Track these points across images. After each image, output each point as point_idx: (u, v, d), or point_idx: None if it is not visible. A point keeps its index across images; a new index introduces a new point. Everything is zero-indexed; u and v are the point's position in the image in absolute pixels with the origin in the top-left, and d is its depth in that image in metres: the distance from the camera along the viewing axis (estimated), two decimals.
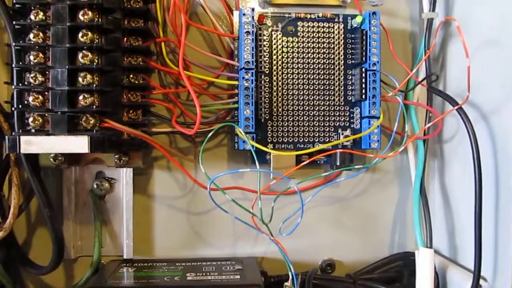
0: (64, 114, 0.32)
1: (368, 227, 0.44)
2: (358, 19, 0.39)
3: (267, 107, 0.39)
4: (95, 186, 0.41)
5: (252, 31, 0.38)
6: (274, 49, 0.40)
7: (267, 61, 0.39)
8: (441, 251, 0.43)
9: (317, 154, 0.39)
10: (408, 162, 0.43)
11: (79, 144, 0.31)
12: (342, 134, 0.40)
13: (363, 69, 0.39)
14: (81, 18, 0.32)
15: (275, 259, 0.42)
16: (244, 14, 0.38)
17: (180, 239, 0.42)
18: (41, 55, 0.32)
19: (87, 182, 0.41)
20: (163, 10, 0.40)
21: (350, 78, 0.40)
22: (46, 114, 0.32)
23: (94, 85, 0.32)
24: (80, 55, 0.32)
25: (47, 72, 0.32)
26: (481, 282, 0.36)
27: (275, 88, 0.40)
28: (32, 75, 0.32)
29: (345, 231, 0.44)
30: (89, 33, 0.32)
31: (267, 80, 0.39)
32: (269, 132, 0.40)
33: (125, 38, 0.36)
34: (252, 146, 0.36)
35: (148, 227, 0.42)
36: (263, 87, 0.39)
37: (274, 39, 0.40)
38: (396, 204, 0.44)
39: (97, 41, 0.33)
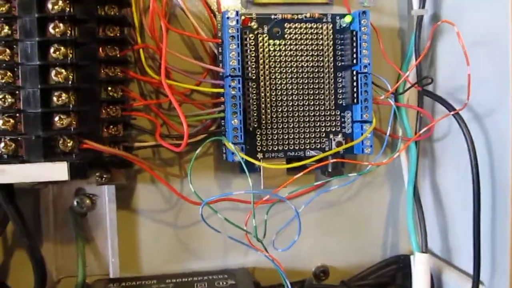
0: (39, 138, 0.29)
1: (360, 231, 0.43)
2: (347, 19, 0.38)
3: (255, 115, 0.37)
4: (75, 203, 0.38)
5: (237, 36, 0.35)
6: (261, 53, 0.37)
7: (253, 66, 0.37)
8: (434, 251, 0.42)
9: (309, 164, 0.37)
10: (399, 163, 0.42)
11: (57, 171, 0.29)
12: (334, 139, 0.38)
13: (354, 72, 0.37)
14: (52, 31, 0.29)
15: (268, 269, 0.41)
16: (228, 18, 0.35)
17: (168, 253, 0.40)
18: (9, 73, 0.29)
19: (66, 199, 0.39)
20: (139, 13, 0.37)
21: (340, 81, 0.39)
22: (19, 138, 0.30)
23: (71, 105, 0.30)
24: (53, 72, 0.29)
25: (17, 93, 0.29)
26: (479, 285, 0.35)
27: (262, 95, 0.38)
28: (0, 96, 0.29)
29: (337, 236, 0.43)
30: (62, 47, 0.30)
31: (254, 86, 0.37)
32: (258, 141, 0.38)
33: (101, 48, 0.33)
34: (242, 158, 0.35)
35: (134, 243, 0.40)
36: (250, 94, 0.37)
37: (260, 42, 0.37)
38: (387, 206, 0.44)
39: (71, 56, 0.30)
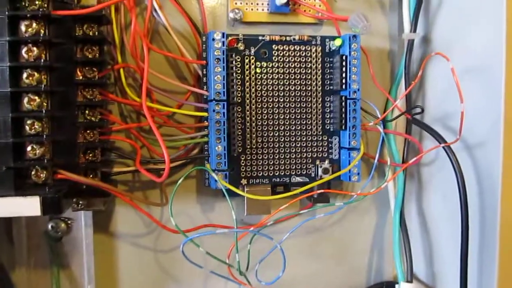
0: (10, 170, 0.27)
1: (345, 256, 0.42)
2: (337, 42, 0.36)
3: (240, 139, 0.36)
4: (49, 228, 0.37)
5: (223, 58, 0.34)
6: (247, 75, 0.36)
7: (239, 89, 0.36)
8: (419, 276, 0.42)
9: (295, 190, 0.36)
10: (386, 188, 0.41)
11: (29, 206, 0.27)
12: (320, 166, 0.37)
13: (343, 98, 0.36)
14: (25, 56, 0.27)
15: None
16: (214, 39, 0.34)
17: (147, 280, 0.39)
18: None
19: (40, 224, 0.37)
20: (120, 31, 0.35)
21: (328, 105, 0.38)
22: None
23: (45, 134, 0.28)
24: (26, 99, 0.28)
25: None
26: None
27: (248, 119, 0.36)
28: None
29: (321, 261, 0.42)
30: (35, 73, 0.28)
31: (239, 110, 0.36)
32: (242, 167, 0.36)
33: (78, 70, 0.31)
34: (225, 187, 0.33)
35: (111, 269, 0.38)
36: (235, 119, 0.36)
37: (247, 64, 0.36)
38: (372, 230, 0.43)
39: (45, 81, 0.28)
